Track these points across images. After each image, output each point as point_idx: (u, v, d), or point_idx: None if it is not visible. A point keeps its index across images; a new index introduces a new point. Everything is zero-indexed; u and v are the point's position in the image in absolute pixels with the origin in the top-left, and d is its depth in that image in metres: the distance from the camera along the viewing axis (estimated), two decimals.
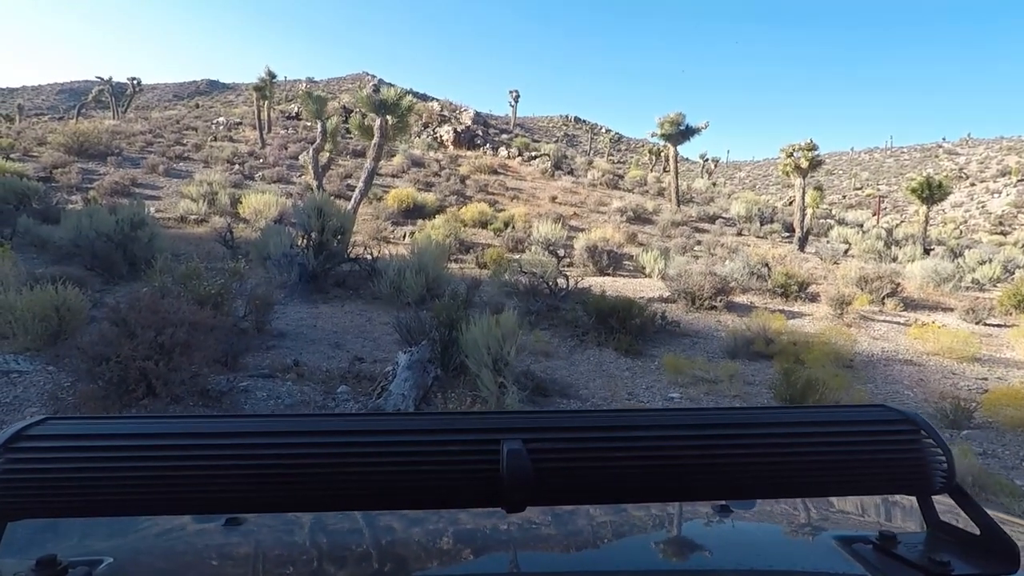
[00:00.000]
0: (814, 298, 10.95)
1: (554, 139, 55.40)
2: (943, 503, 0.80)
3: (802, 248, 19.45)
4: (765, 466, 0.72)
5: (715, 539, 1.01)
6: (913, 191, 21.63)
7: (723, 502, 1.06)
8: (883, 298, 10.54)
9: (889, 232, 22.34)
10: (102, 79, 45.94)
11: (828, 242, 21.59)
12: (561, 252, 11.78)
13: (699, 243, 19.06)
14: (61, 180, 18.62)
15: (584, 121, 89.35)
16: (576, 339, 7.43)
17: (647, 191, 29.17)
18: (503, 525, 0.99)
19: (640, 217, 22.56)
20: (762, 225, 23.00)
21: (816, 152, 20.15)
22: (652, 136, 25.73)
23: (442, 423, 0.74)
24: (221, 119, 36.15)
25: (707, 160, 51.47)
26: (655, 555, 0.94)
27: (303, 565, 0.86)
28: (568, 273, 10.31)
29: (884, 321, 9.59)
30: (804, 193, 20.57)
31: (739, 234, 22.12)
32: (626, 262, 14.02)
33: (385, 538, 0.99)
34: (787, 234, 22.24)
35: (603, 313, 7.40)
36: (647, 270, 12.88)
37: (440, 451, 0.69)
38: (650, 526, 1.09)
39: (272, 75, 30.16)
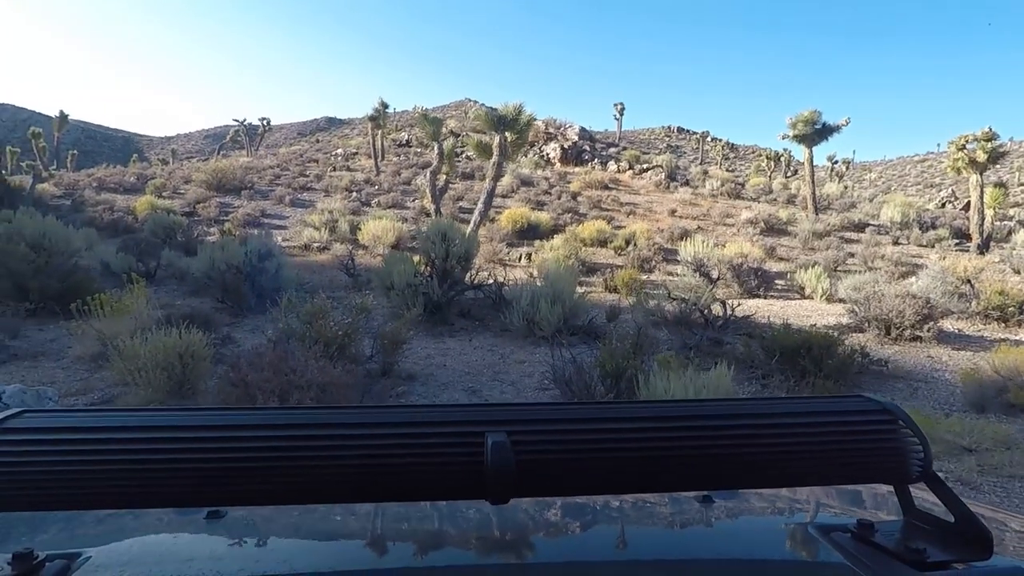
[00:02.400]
0: None
1: (657, 151, 53.14)
2: (919, 491, 0.81)
3: (982, 256, 16.38)
4: (746, 456, 0.72)
5: (697, 529, 1.02)
6: None
7: (705, 492, 1.06)
8: None
9: None
10: (238, 121, 50.35)
11: (1013, 249, 18.15)
12: (714, 274, 10.32)
13: (851, 255, 16.63)
14: (202, 214, 19.89)
15: (687, 130, 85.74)
16: (755, 382, 6.04)
17: (775, 199, 26.57)
18: (487, 517, 0.99)
19: (773, 228, 20.34)
20: (923, 232, 19.88)
21: (997, 143, 17.00)
22: (783, 138, 23.33)
23: (427, 416, 0.73)
24: (339, 150, 38.01)
25: (836, 162, 46.83)
26: (638, 545, 0.93)
27: (285, 558, 0.82)
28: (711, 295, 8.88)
29: None
30: (982, 192, 17.44)
31: (895, 243, 19.21)
32: (777, 281, 12.25)
33: (369, 530, 0.98)
34: (958, 241, 19.04)
35: (790, 350, 5.97)
36: (807, 290, 11.07)
37: (424, 443, 0.68)
38: (633, 517, 1.06)
39: (385, 105, 31.10)
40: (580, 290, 9.21)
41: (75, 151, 47.49)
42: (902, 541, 0.77)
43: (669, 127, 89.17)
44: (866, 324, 7.92)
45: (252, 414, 0.74)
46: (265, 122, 50.81)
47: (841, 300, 10.54)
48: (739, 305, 8.47)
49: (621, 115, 49.37)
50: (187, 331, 4.78)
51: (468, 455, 0.67)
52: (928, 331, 7.42)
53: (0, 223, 10.43)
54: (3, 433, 0.66)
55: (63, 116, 41.94)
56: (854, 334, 7.81)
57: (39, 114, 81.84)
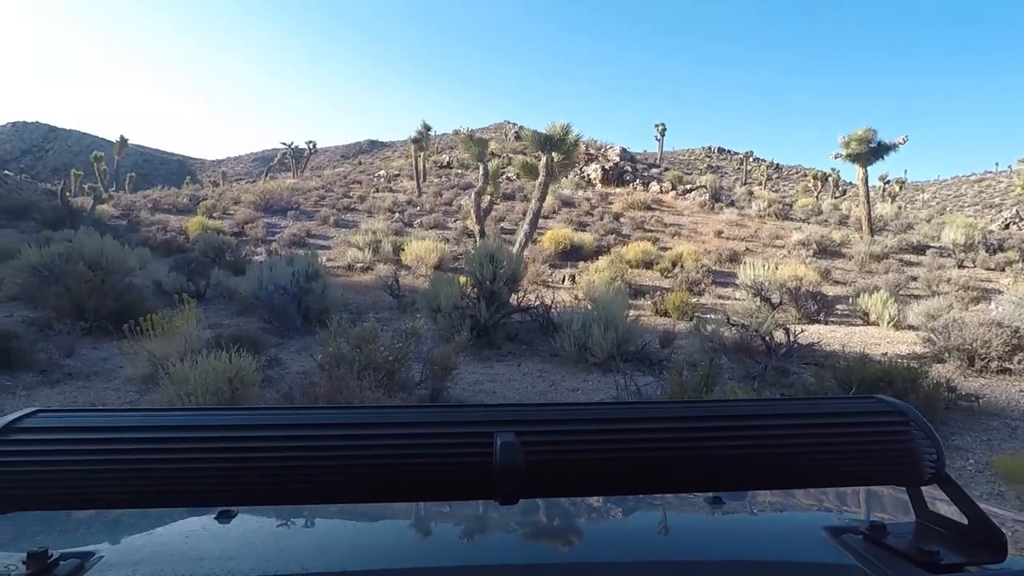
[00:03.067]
0: None
1: (698, 171, 52.35)
2: (932, 493, 0.81)
3: None
4: (757, 457, 0.72)
5: (707, 530, 1.01)
6: None
7: (715, 493, 1.04)
8: None
9: None
10: (285, 144, 51.92)
11: None
12: (775, 298, 9.81)
13: (914, 279, 15.78)
14: (250, 234, 20.35)
15: (729, 151, 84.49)
16: None
17: (826, 220, 25.65)
18: (496, 517, 0.99)
19: (827, 250, 19.59)
20: (991, 254, 18.78)
21: None
22: (835, 157, 22.53)
23: (435, 415, 0.73)
24: (382, 172, 38.67)
25: (888, 182, 45.17)
26: (647, 546, 0.93)
27: (295, 558, 0.82)
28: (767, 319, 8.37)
29: None
30: None
31: (960, 266, 18.21)
32: (837, 306, 11.61)
33: (378, 530, 0.98)
34: None
35: (868, 382, 5.49)
36: (872, 316, 10.42)
37: (433, 443, 0.68)
38: (642, 517, 1.06)
39: (428, 127, 31.58)
40: (630, 314, 8.87)
41: (133, 173, 49.76)
42: (915, 543, 0.76)
43: (710, 148, 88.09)
44: (946, 354, 7.32)
45: (262, 414, 0.74)
46: (311, 145, 52.25)
47: (911, 327, 9.90)
48: (801, 331, 7.98)
49: (662, 136, 48.96)
50: (236, 354, 4.67)
51: (477, 455, 0.67)
52: (1019, 363, 6.78)
53: (62, 243, 10.79)
54: (17, 432, 0.66)
55: (123, 140, 44.07)
56: (934, 365, 7.22)
57: (101, 139, 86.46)
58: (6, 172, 39.66)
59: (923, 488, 0.80)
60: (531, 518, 1.01)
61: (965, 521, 0.75)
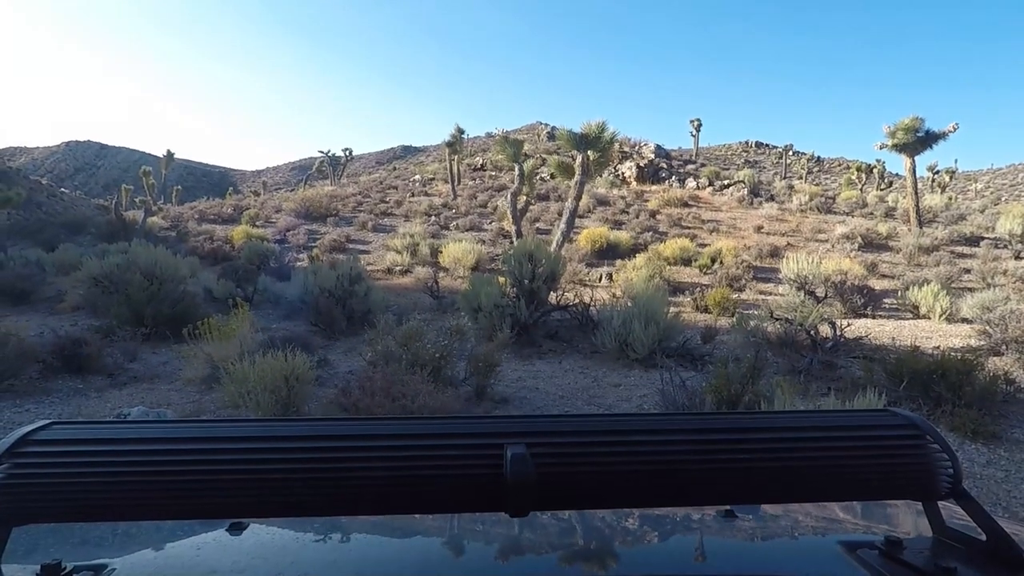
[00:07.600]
0: None
1: (736, 166, 51.28)
2: (950, 509, 0.80)
3: None
4: (769, 471, 0.71)
5: (720, 544, 1.00)
6: None
7: (728, 507, 1.04)
8: None
9: None
10: (322, 152, 53.17)
11: None
12: (820, 291, 9.61)
13: (967, 271, 15.20)
14: (292, 241, 20.94)
15: (767, 145, 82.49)
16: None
17: (871, 213, 24.86)
18: (507, 530, 0.98)
19: (872, 243, 19.01)
20: None
21: None
22: (880, 148, 21.80)
23: (445, 427, 0.72)
24: (417, 177, 39.20)
25: (938, 172, 43.42)
26: (659, 560, 0.91)
27: (305, 570, 0.83)
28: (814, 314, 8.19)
29: None
30: None
31: (1017, 257, 17.43)
32: (884, 300, 11.28)
33: (387, 542, 0.97)
34: None
35: (921, 375, 5.36)
36: (923, 310, 10.09)
37: (443, 455, 0.68)
38: (654, 531, 1.04)
39: (461, 131, 31.89)
40: (670, 310, 8.82)
41: (179, 187, 51.69)
42: (932, 559, 0.75)
43: (747, 142, 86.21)
44: (1003, 347, 7.06)
45: (273, 426, 0.74)
46: (347, 152, 53.33)
47: (965, 320, 9.55)
48: (848, 325, 7.80)
49: (698, 131, 48.08)
50: (291, 354, 4.88)
51: (487, 467, 0.67)
52: None
53: (119, 254, 11.35)
54: (30, 445, 0.67)
55: (170, 155, 45.76)
56: (990, 358, 6.98)
57: (148, 154, 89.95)
58: (62, 190, 41.77)
59: (941, 503, 0.79)
60: (542, 531, 1.00)
61: (983, 537, 0.74)
